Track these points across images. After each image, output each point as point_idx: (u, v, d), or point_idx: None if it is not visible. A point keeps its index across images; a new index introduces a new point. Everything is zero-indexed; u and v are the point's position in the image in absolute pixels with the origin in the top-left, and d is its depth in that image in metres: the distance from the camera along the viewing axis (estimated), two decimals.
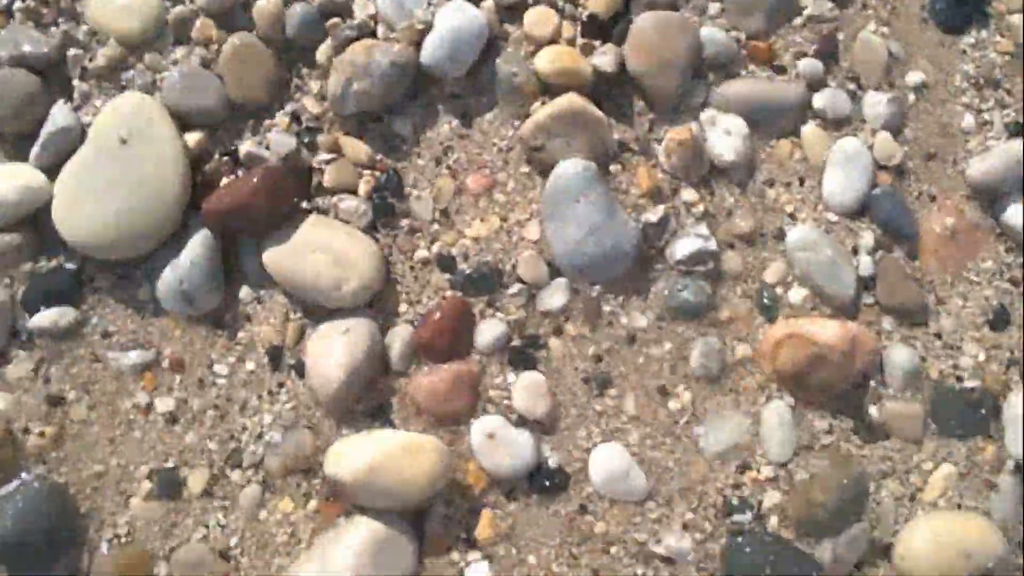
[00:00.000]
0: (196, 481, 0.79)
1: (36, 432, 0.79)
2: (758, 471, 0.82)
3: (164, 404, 0.80)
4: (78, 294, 0.81)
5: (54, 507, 0.76)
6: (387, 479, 0.75)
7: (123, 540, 0.78)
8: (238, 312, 0.81)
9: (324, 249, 0.79)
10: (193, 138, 0.80)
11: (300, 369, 0.81)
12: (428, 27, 0.82)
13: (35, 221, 0.80)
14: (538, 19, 0.85)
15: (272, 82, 0.82)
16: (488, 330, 0.82)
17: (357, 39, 0.82)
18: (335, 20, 0.83)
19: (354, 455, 0.76)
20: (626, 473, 0.81)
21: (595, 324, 0.83)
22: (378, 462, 0.76)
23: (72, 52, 0.81)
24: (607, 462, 0.81)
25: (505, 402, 0.81)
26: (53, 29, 0.81)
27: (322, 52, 0.83)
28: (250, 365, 0.81)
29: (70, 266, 0.80)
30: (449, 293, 0.82)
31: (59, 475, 0.79)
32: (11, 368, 0.80)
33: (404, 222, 0.83)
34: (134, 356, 0.80)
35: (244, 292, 0.81)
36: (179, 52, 0.82)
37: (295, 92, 0.83)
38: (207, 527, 0.79)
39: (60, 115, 0.79)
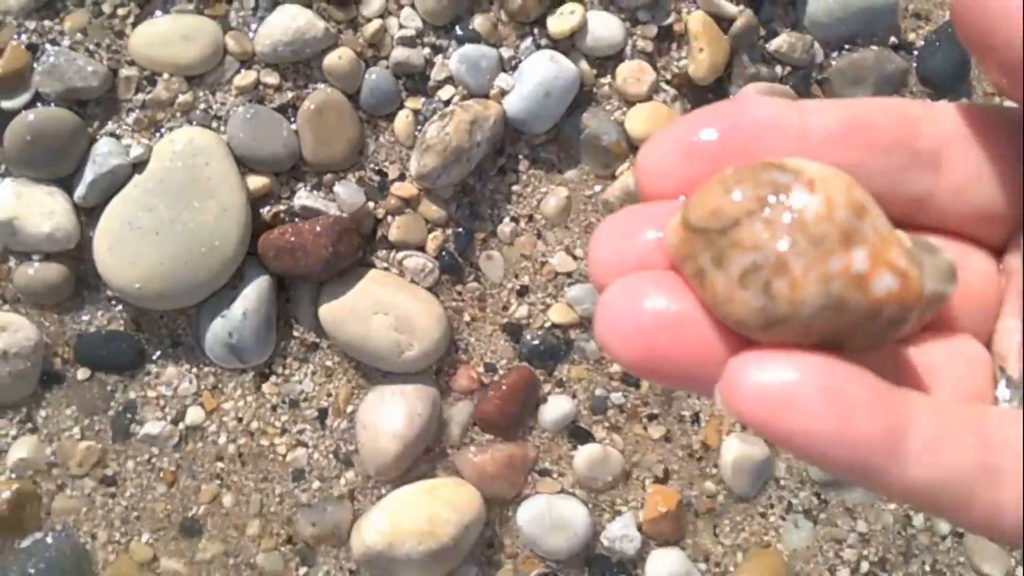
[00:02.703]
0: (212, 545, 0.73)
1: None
2: None
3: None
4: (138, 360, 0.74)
5: (77, 564, 0.70)
6: (409, 527, 0.69)
7: None
8: (285, 366, 0.75)
9: (387, 310, 0.72)
10: (255, 182, 0.73)
11: (351, 435, 0.74)
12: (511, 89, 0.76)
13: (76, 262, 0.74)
14: (632, 74, 0.78)
15: (352, 143, 0.75)
16: (555, 407, 0.76)
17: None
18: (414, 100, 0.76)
19: (377, 516, 0.71)
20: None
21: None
22: (400, 509, 0.70)
23: (123, 81, 0.74)
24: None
25: (561, 479, 0.75)
26: (98, 57, 0.73)
27: (402, 125, 0.76)
28: (298, 426, 0.75)
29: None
30: (516, 364, 0.76)
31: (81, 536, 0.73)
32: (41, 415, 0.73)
33: (472, 284, 0.77)
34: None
35: (293, 345, 0.75)
36: (238, 85, 0.75)
37: (370, 152, 0.76)
38: None
39: (108, 152, 0.71)
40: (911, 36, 0.84)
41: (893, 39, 0.84)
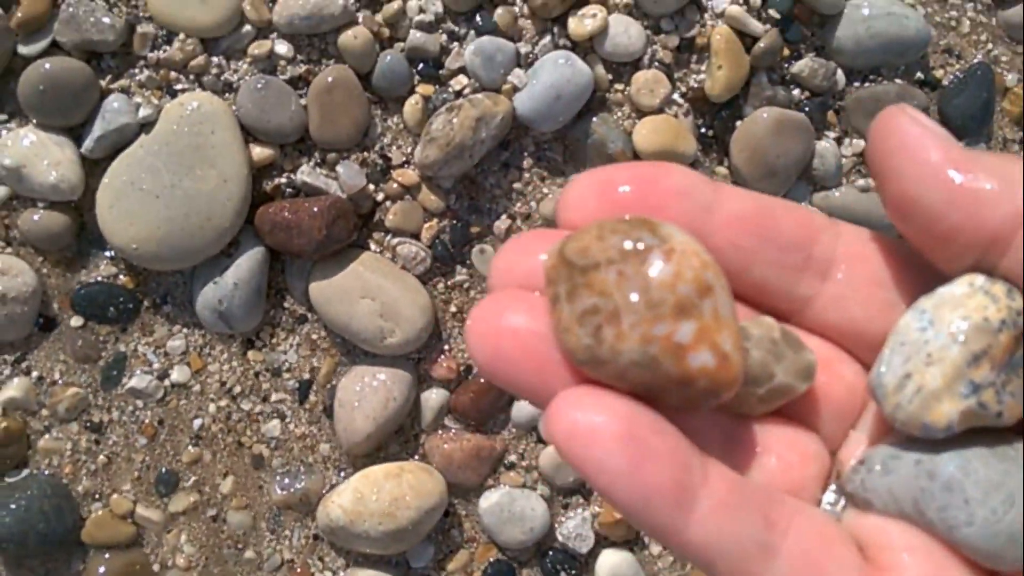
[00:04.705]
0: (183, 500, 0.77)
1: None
2: None
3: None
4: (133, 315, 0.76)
5: (58, 506, 0.74)
6: (372, 507, 0.73)
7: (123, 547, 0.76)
8: (273, 335, 0.77)
9: (374, 295, 0.74)
10: (260, 153, 0.74)
11: (328, 409, 0.77)
12: (523, 86, 0.76)
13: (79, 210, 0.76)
14: (647, 85, 0.78)
15: (358, 124, 0.75)
16: (528, 405, 0.78)
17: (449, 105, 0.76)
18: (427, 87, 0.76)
19: (343, 493, 0.74)
20: None
21: None
22: (365, 489, 0.73)
23: (139, 37, 0.74)
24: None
25: (528, 474, 0.78)
26: (117, 10, 0.74)
27: (410, 111, 0.76)
28: (278, 395, 0.77)
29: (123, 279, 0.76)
30: None
31: (66, 478, 0.76)
32: (34, 357, 0.76)
33: (462, 277, 0.78)
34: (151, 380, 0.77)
35: (283, 316, 0.77)
36: (252, 53, 0.75)
37: (376, 135, 0.77)
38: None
39: (117, 109, 0.72)
40: (939, 73, 0.83)
41: (919, 74, 0.82)
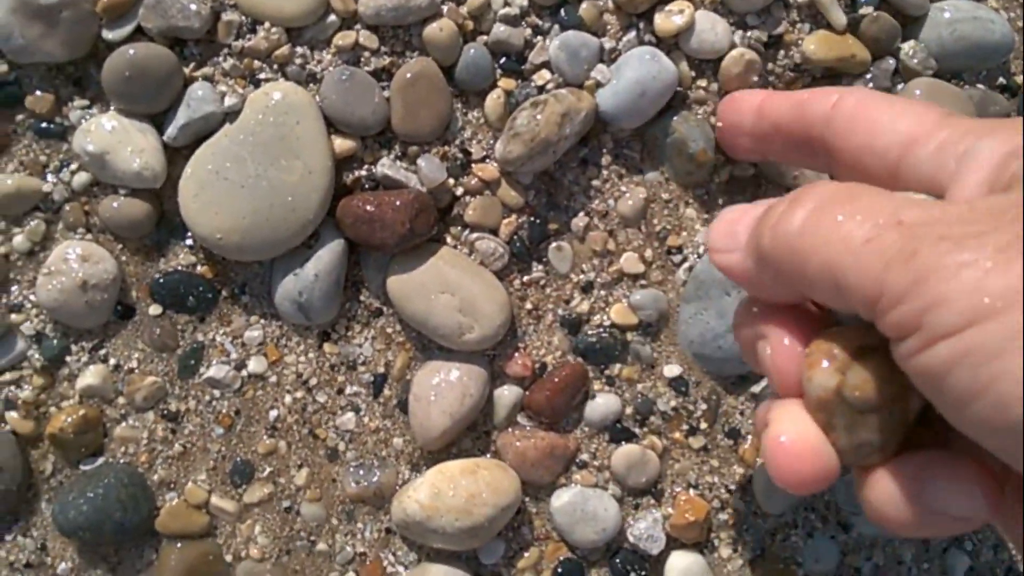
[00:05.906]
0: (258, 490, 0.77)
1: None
2: None
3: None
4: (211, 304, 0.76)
5: (134, 495, 0.74)
6: (448, 503, 0.73)
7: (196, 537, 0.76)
8: (348, 328, 0.77)
9: (453, 291, 0.73)
10: (342, 145, 0.74)
11: (403, 405, 0.77)
12: (607, 82, 0.75)
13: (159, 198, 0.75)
14: (733, 72, 0.77)
15: (441, 118, 0.75)
16: (602, 404, 0.77)
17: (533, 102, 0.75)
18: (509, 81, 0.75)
19: (421, 488, 0.74)
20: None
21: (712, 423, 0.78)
22: (443, 485, 0.73)
23: (224, 25, 0.73)
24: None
25: (601, 473, 0.78)
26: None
27: (492, 105, 0.75)
28: (353, 388, 0.77)
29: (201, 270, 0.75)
30: (569, 358, 0.77)
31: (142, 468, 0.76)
32: (111, 345, 0.76)
33: (538, 272, 0.77)
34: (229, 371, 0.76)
35: (358, 309, 0.77)
36: (337, 44, 0.74)
37: (457, 128, 0.76)
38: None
39: (202, 97, 0.72)
40: (1019, 79, 0.82)
41: (1001, 79, 0.81)
